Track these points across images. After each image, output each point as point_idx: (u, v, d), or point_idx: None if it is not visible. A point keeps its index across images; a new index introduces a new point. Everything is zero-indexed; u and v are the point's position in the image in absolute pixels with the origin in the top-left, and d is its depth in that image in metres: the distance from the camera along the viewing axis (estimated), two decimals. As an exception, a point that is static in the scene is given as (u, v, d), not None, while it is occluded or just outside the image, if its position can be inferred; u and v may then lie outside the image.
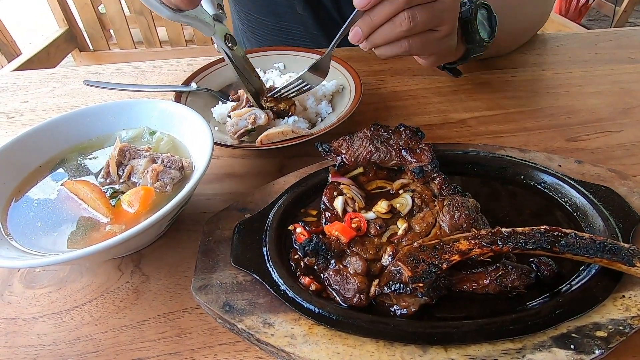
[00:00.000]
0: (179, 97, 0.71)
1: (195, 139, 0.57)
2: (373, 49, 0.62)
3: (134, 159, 0.54)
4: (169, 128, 0.60)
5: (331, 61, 0.67)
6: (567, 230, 0.42)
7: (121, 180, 0.53)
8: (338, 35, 0.61)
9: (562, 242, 0.41)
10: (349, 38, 0.60)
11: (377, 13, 0.55)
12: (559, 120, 0.73)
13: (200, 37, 2.43)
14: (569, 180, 0.53)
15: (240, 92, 0.71)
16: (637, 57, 0.91)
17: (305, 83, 0.67)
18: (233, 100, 0.72)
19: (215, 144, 0.55)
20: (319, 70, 0.66)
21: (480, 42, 0.71)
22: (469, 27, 0.69)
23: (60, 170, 0.55)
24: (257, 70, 0.84)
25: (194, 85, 0.75)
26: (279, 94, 0.69)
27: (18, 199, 0.51)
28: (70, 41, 2.37)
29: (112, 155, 0.53)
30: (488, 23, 0.72)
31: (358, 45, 0.61)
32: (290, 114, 0.70)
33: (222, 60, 0.82)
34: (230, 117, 0.68)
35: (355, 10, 0.56)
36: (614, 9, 3.12)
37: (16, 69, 2.05)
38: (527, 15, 0.91)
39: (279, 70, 0.83)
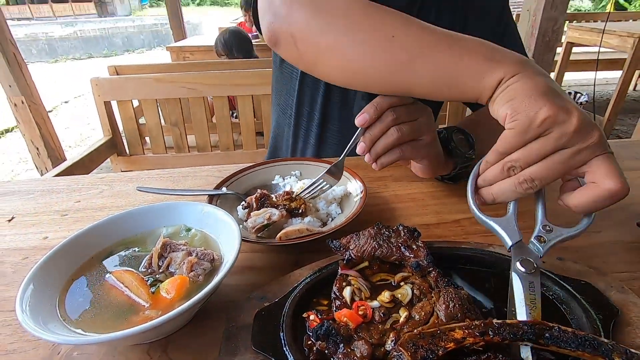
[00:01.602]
0: (211, 199, 0.84)
1: (224, 235, 0.67)
2: (374, 164, 0.77)
3: (173, 252, 0.63)
4: (203, 225, 0.71)
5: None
6: (551, 324, 0.47)
7: (160, 270, 0.62)
8: (348, 147, 0.78)
9: (547, 335, 0.46)
10: (357, 151, 0.77)
11: (373, 129, 0.74)
12: (543, 221, 0.82)
13: (225, 143, 2.74)
14: (552, 276, 0.59)
15: (249, 199, 0.84)
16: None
17: (325, 183, 0.84)
18: (244, 208, 0.83)
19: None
20: (334, 173, 0.84)
21: (462, 155, 0.86)
22: (449, 146, 0.86)
23: (109, 260, 0.65)
24: (277, 176, 0.99)
25: (224, 189, 0.89)
26: (307, 191, 0.85)
27: (73, 284, 0.60)
28: (111, 147, 2.70)
29: (155, 249, 0.63)
30: (466, 142, 0.88)
31: (363, 157, 0.77)
32: (301, 211, 0.81)
33: (248, 168, 0.98)
34: (246, 221, 0.80)
35: (359, 129, 0.75)
36: (594, 117, 3.44)
37: (59, 174, 2.29)
38: None
39: (296, 177, 0.98)
